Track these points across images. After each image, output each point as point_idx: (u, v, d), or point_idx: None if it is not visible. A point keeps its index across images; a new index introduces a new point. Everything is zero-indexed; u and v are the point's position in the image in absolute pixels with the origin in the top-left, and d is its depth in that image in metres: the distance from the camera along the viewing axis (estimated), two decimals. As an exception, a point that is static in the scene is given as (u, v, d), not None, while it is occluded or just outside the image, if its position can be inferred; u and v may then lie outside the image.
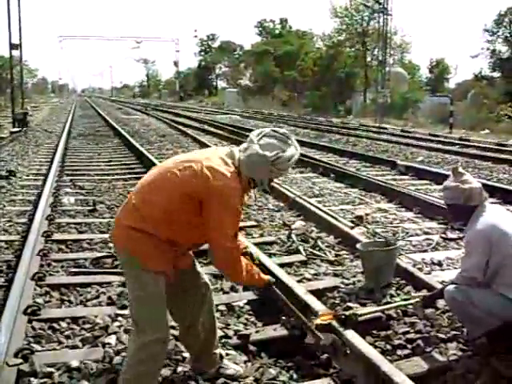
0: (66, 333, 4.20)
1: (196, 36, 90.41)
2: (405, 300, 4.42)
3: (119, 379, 3.17)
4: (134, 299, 3.12)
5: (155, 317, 3.07)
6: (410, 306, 4.38)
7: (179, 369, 3.66)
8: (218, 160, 3.04)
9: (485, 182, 9.93)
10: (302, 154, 13.92)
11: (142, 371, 3.06)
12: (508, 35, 42.27)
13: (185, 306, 3.40)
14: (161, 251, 3.05)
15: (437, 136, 21.85)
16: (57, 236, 6.69)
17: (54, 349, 3.95)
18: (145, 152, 13.62)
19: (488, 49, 43.04)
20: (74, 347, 3.97)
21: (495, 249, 3.69)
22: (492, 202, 7.75)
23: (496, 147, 17.71)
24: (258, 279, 3.40)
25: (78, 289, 5.08)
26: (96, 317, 4.41)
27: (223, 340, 4.02)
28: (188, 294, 3.39)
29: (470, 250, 3.85)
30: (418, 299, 4.24)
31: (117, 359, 3.73)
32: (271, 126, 26.31)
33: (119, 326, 4.25)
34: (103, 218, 7.61)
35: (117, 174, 11.67)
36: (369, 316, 4.18)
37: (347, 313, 3.92)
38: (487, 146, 18.13)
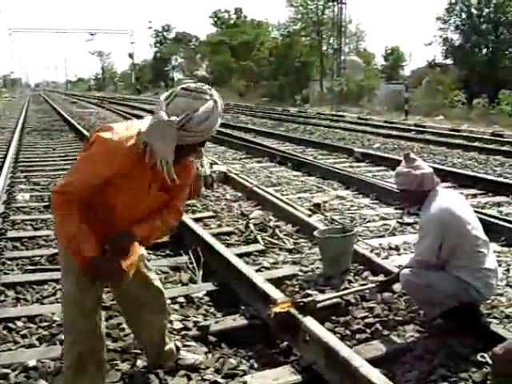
0: (22, 332, 4.09)
1: (151, 27, 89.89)
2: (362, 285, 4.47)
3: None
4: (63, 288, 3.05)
5: (72, 318, 2.94)
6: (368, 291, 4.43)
7: (138, 362, 3.62)
8: (121, 125, 2.79)
9: (440, 166, 10.10)
10: (259, 144, 14.11)
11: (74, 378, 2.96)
12: (459, 23, 42.90)
13: (135, 310, 3.33)
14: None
15: (393, 123, 22.12)
16: (11, 234, 6.55)
17: (10, 349, 3.86)
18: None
19: (441, 36, 43.63)
20: (31, 346, 3.89)
21: (448, 232, 3.75)
22: (447, 187, 7.92)
23: (450, 132, 18.03)
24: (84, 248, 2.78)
25: (35, 286, 4.97)
26: (53, 314, 4.32)
27: (183, 332, 3.99)
28: (139, 300, 3.29)
29: (423, 234, 3.92)
30: (374, 284, 4.28)
31: (75, 356, 3.67)
32: (228, 116, 26.26)
33: (77, 323, 4.17)
34: (59, 213, 7.46)
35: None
36: (327, 302, 4.19)
37: (305, 300, 3.92)
38: (442, 131, 18.42)
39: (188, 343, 3.86)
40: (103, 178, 2.68)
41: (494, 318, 4.10)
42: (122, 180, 2.71)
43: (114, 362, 3.50)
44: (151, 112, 22.78)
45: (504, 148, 13.76)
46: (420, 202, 4.00)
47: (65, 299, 2.99)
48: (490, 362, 3.46)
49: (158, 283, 3.40)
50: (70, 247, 2.80)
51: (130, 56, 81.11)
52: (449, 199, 3.92)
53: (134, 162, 2.66)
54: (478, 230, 3.93)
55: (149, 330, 3.41)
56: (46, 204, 7.93)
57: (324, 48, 49.63)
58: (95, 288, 2.94)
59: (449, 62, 44.54)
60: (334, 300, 4.32)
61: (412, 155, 4.03)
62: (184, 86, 2.67)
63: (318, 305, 4.01)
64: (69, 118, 23.61)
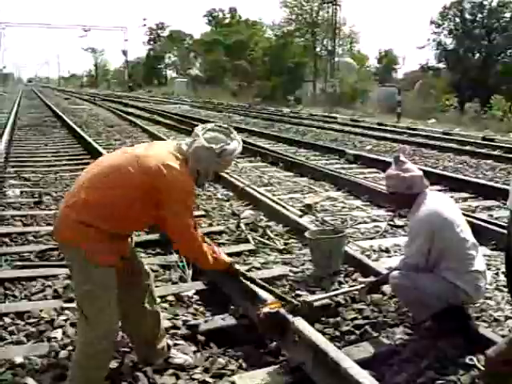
0: (10, 328, 4.06)
1: (145, 25, 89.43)
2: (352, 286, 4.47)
3: (68, 375, 3.10)
4: (83, 294, 3.06)
5: (105, 312, 3.03)
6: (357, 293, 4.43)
7: (126, 360, 3.60)
8: (169, 155, 3.07)
9: (431, 169, 10.14)
10: (251, 144, 14.13)
11: (92, 366, 3.03)
12: (453, 28, 43.08)
13: (127, 295, 3.34)
14: (109, 244, 3.02)
15: (385, 125, 22.18)
16: (0, 229, 6.50)
17: (-3, 345, 3.84)
18: (93, 143, 13.37)
19: (434, 40, 43.83)
20: (18, 343, 3.86)
21: (436, 236, 3.77)
22: (438, 190, 7.94)
23: (442, 136, 18.07)
24: (223, 263, 3.60)
25: (23, 283, 4.93)
26: (41, 311, 4.29)
27: (172, 331, 3.98)
28: (131, 283, 3.34)
29: (412, 237, 3.93)
30: (364, 285, 4.28)
31: (63, 353, 3.65)
32: (221, 115, 26.26)
33: (65, 320, 4.14)
34: (49, 209, 7.43)
35: (64, 165, 11.41)
36: (317, 303, 4.19)
37: (295, 301, 3.91)
38: (433, 134, 18.46)
39: (177, 342, 3.85)
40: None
41: (483, 321, 4.12)
42: None
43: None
44: (143, 109, 22.64)
45: (495, 152, 13.80)
46: (409, 204, 4.02)
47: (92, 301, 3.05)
48: (478, 365, 3.48)
49: (146, 267, 3.54)
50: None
51: (124, 53, 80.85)
52: (437, 202, 3.93)
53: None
54: (467, 233, 3.95)
55: (142, 325, 3.44)
56: (36, 200, 7.90)
57: (318, 49, 49.73)
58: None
59: (441, 66, 44.76)
60: (324, 301, 4.32)
61: (402, 157, 4.04)
62: (216, 123, 3.30)
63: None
64: (61, 114, 23.52)
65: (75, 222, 2.97)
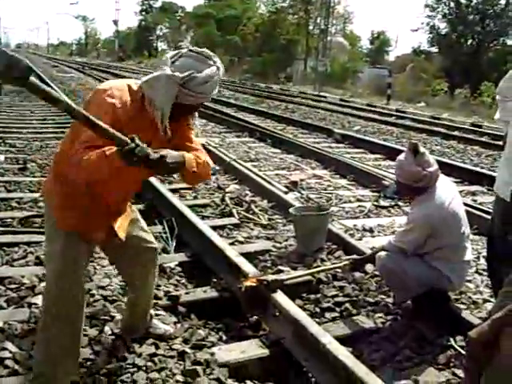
0: (-10, 294, 4.05)
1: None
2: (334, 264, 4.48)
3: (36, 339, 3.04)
4: (46, 252, 3.00)
5: (60, 277, 2.82)
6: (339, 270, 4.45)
7: (106, 328, 3.60)
8: (118, 82, 2.77)
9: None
10: (240, 119, 14.05)
11: (55, 331, 2.85)
12: (447, 12, 42.94)
13: (126, 268, 3.31)
14: (79, 207, 2.80)
15: (374, 107, 22.16)
16: (-17, 195, 6.45)
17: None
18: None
19: (428, 24, 43.64)
20: (-2, 308, 3.85)
21: (436, 233, 3.73)
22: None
23: (430, 120, 18.10)
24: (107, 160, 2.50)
25: (5, 248, 4.90)
26: (23, 277, 4.27)
27: (153, 301, 3.98)
28: (131, 257, 3.24)
29: (410, 228, 3.84)
30: (346, 262, 4.29)
31: (43, 320, 3.64)
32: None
33: (46, 286, 4.13)
34: (34, 176, 7.37)
35: (50, 132, 11.30)
36: (295, 280, 4.19)
37: (269, 278, 3.88)
38: (422, 118, 18.48)
39: (158, 312, 3.85)
40: (112, 117, 2.58)
41: (462, 303, 4.16)
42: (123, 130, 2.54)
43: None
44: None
45: (482, 139, 13.86)
46: (414, 195, 3.92)
47: (51, 262, 2.90)
48: (455, 345, 3.52)
49: (155, 245, 3.40)
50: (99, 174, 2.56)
51: (115, 23, 79.69)
52: (443, 198, 3.78)
53: (136, 109, 2.68)
54: (465, 227, 3.92)
55: (138, 292, 3.41)
56: (20, 166, 7.83)
57: (311, 27, 49.38)
58: (83, 252, 2.90)
59: (434, 50, 44.66)
60: (302, 278, 4.32)
61: (421, 149, 3.80)
62: (191, 47, 2.73)
63: (286, 282, 4.01)
64: (48, 82, 23.21)
65: (54, 175, 2.87)
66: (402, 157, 3.88)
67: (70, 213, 2.81)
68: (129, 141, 2.33)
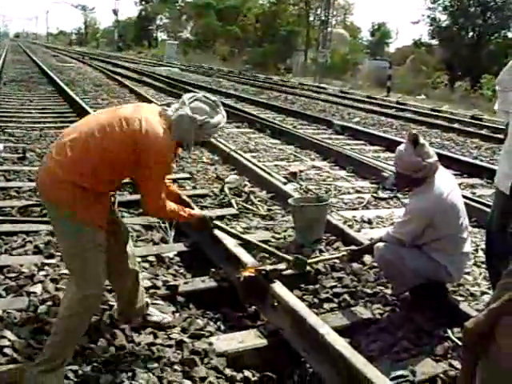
0: (-11, 282, 4.05)
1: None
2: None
3: (52, 329, 3.08)
4: (71, 253, 3.04)
5: (94, 271, 3.02)
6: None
7: (105, 317, 3.60)
8: (155, 119, 3.06)
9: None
10: (239, 110, 14.04)
11: (77, 323, 3.01)
12: (448, 4, 42.76)
13: (108, 253, 3.28)
14: (96, 204, 3.02)
15: (374, 98, 22.11)
16: (-18, 185, 6.44)
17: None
18: (79, 101, 13.20)
19: (428, 16, 43.45)
20: (-3, 296, 3.85)
21: (434, 225, 3.73)
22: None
23: (430, 112, 18.06)
24: (192, 216, 3.47)
25: (4, 237, 4.90)
26: (21, 266, 4.27)
27: (151, 290, 3.98)
28: (113, 241, 3.31)
29: (409, 219, 3.82)
30: (344, 253, 4.29)
31: (42, 308, 3.64)
32: (211, 80, 26.04)
33: (45, 275, 4.12)
34: (33, 165, 7.35)
35: (49, 122, 11.28)
36: (291, 271, 4.17)
37: (268, 268, 3.90)
38: (422, 110, 18.45)
39: (156, 302, 3.85)
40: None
41: (460, 295, 4.17)
42: None
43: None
44: (132, 70, 22.38)
45: (482, 131, 13.84)
46: (413, 186, 3.91)
47: (77, 257, 3.03)
48: (452, 337, 3.53)
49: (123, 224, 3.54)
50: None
51: (114, 12, 79.42)
52: (441, 189, 3.77)
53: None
54: (464, 218, 3.91)
55: (123, 283, 3.46)
56: (19, 156, 7.82)
57: (311, 18, 49.26)
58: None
59: (434, 42, 44.52)
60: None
61: (421, 140, 3.78)
62: (205, 94, 3.29)
63: (283, 272, 4.02)
64: (48, 71, 23.17)
65: (63, 182, 2.93)
66: (401, 147, 3.86)
67: (92, 210, 3.02)
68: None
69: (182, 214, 3.35)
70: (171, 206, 3.27)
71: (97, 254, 3.03)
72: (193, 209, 3.66)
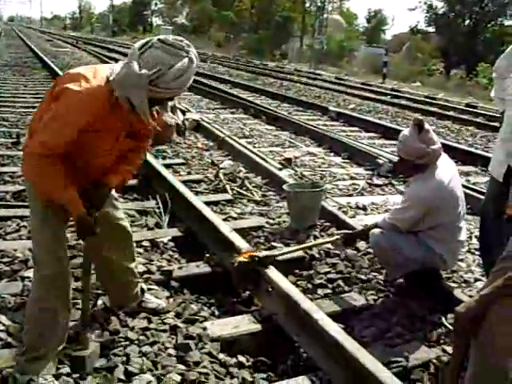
0: (-17, 268, 4.03)
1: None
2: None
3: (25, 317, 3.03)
4: (31, 229, 2.98)
5: (46, 250, 2.84)
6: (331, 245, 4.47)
7: (99, 302, 3.61)
8: (89, 75, 2.63)
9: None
10: (234, 95, 13.99)
11: (41, 307, 2.87)
12: (445, -10, 42.64)
13: (104, 240, 3.22)
14: (52, 179, 2.72)
15: (370, 85, 22.05)
16: (-24, 168, 6.41)
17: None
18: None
19: (425, 3, 43.31)
20: (-9, 281, 3.83)
21: (433, 213, 3.72)
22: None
23: (426, 100, 18.04)
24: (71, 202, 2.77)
25: (-2, 222, 4.89)
26: (15, 250, 4.27)
27: (145, 275, 3.98)
28: (108, 226, 3.19)
29: (407, 205, 3.81)
30: (338, 237, 4.29)
31: (36, 293, 3.64)
32: (205, 65, 25.92)
33: (40, 260, 4.12)
34: (27, 150, 7.32)
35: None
36: (284, 257, 4.19)
37: (261, 255, 3.88)
38: (418, 98, 18.42)
39: (150, 287, 3.85)
40: (76, 132, 2.62)
41: (454, 282, 4.18)
42: (92, 131, 2.67)
43: (75, 301, 3.46)
44: (127, 55, 22.43)
45: (477, 119, 13.82)
46: (414, 173, 3.87)
47: (33, 238, 2.95)
48: (445, 323, 3.55)
49: (124, 223, 3.35)
50: (53, 199, 2.77)
51: (109, -4, 78.93)
52: (442, 176, 3.74)
53: (106, 113, 2.63)
54: (462, 206, 3.90)
55: (113, 269, 3.37)
56: (13, 140, 7.78)
57: (307, 4, 49.02)
58: (60, 226, 2.92)
59: (431, 29, 44.39)
60: (293, 254, 4.33)
61: (426, 126, 3.74)
62: (161, 37, 2.56)
63: (278, 258, 4.01)
64: (42, 56, 23.00)
65: (25, 156, 2.78)
66: (406, 132, 3.82)
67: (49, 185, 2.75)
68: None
69: (55, 188, 2.70)
70: (55, 173, 2.66)
71: (49, 232, 2.83)
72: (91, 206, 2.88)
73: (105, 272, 3.43)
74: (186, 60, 2.53)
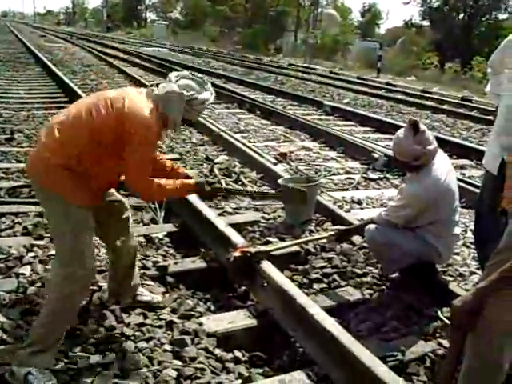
0: (-22, 264, 4.02)
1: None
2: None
3: (40, 313, 3.04)
4: (58, 233, 3.04)
5: (78, 250, 2.96)
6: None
7: (94, 298, 3.60)
8: (141, 99, 3.04)
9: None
10: (229, 90, 13.97)
11: (63, 305, 2.96)
12: (439, -15, 42.66)
13: (109, 229, 3.38)
14: (85, 185, 2.99)
15: (364, 79, 22.04)
16: (-30, 165, 6.38)
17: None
18: (68, 81, 13.06)
19: (420, -3, 43.32)
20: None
21: (429, 210, 3.73)
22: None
23: (421, 94, 18.03)
24: (186, 188, 3.38)
25: (-8, 219, 4.87)
26: (10, 247, 4.25)
27: (141, 271, 3.97)
28: (113, 218, 3.37)
29: (404, 203, 3.80)
30: (332, 233, 4.29)
31: (31, 289, 3.64)
32: (200, 60, 25.90)
33: (34, 257, 4.11)
34: (21, 147, 7.29)
35: (37, 102, 11.16)
36: (280, 252, 4.19)
37: (253, 251, 3.87)
38: (412, 92, 18.42)
39: (146, 282, 3.85)
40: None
41: (449, 275, 4.19)
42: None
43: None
44: (121, 51, 22.16)
45: (472, 113, 13.82)
46: (410, 171, 3.88)
47: (65, 237, 2.99)
48: (441, 316, 3.55)
49: (117, 198, 3.47)
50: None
51: (103, -9, 78.53)
52: (439, 174, 3.74)
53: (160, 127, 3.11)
54: (457, 201, 3.91)
55: (118, 252, 3.45)
56: (7, 137, 7.75)
57: (301, -1, 48.93)
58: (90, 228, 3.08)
59: (425, 23, 44.40)
60: (287, 250, 4.33)
61: (422, 126, 3.70)
62: (192, 72, 3.26)
63: (272, 253, 4.01)
64: (36, 51, 22.90)
65: (52, 165, 2.91)
66: (400, 133, 3.76)
67: (81, 191, 2.99)
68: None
69: (171, 188, 3.22)
70: (160, 182, 3.17)
71: (83, 235, 2.99)
72: (190, 178, 3.49)
73: (114, 259, 3.52)
74: (208, 92, 3.19)
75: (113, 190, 3.43)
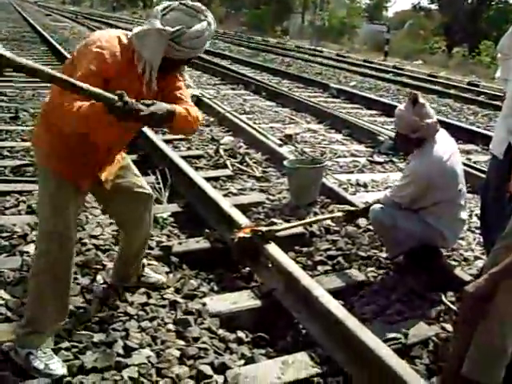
0: (-18, 242, 4.02)
1: None
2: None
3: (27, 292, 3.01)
4: (43, 202, 2.89)
5: (60, 218, 2.79)
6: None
7: (98, 277, 3.60)
8: (111, 33, 2.75)
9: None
10: (235, 71, 13.90)
11: (46, 278, 2.82)
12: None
13: (129, 219, 3.26)
14: (79, 162, 2.80)
15: (371, 62, 21.90)
16: (-26, 144, 6.36)
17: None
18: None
19: (429, -21, 42.95)
20: (-10, 256, 3.82)
21: (433, 189, 3.70)
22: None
23: (428, 78, 17.92)
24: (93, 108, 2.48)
25: (-3, 197, 4.87)
26: (14, 225, 4.25)
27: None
28: (137, 211, 3.24)
29: (407, 181, 3.80)
30: (340, 214, 4.28)
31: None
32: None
33: (38, 235, 4.11)
34: (26, 125, 7.27)
35: (42, 81, 11.08)
36: (287, 232, 4.19)
37: (264, 229, 3.88)
38: (419, 75, 18.31)
39: (150, 262, 3.84)
40: (101, 66, 2.59)
41: (454, 260, 4.17)
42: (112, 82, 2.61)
43: (74, 275, 3.45)
44: (127, 30, 22.14)
45: (479, 98, 13.73)
46: (412, 148, 3.86)
47: (41, 208, 2.91)
48: (445, 300, 3.54)
49: (145, 190, 3.27)
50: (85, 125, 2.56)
51: (109, -30, 78.01)
52: (441, 152, 3.73)
53: (125, 62, 2.66)
54: (462, 185, 3.89)
55: (131, 238, 3.37)
56: (12, 115, 7.73)
57: (309, -20, 48.52)
58: (73, 204, 2.87)
59: (434, 7, 44.02)
60: (295, 230, 4.32)
61: (421, 99, 3.75)
62: (183, 1, 2.69)
63: (278, 234, 4.00)
64: (41, 30, 22.77)
65: (43, 124, 2.83)
66: (401, 106, 3.85)
67: (59, 161, 2.79)
68: (116, 98, 2.32)
69: (82, 110, 2.48)
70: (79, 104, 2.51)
71: (68, 210, 2.82)
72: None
73: (125, 240, 3.43)
74: (204, 23, 2.66)
75: (143, 182, 3.27)
